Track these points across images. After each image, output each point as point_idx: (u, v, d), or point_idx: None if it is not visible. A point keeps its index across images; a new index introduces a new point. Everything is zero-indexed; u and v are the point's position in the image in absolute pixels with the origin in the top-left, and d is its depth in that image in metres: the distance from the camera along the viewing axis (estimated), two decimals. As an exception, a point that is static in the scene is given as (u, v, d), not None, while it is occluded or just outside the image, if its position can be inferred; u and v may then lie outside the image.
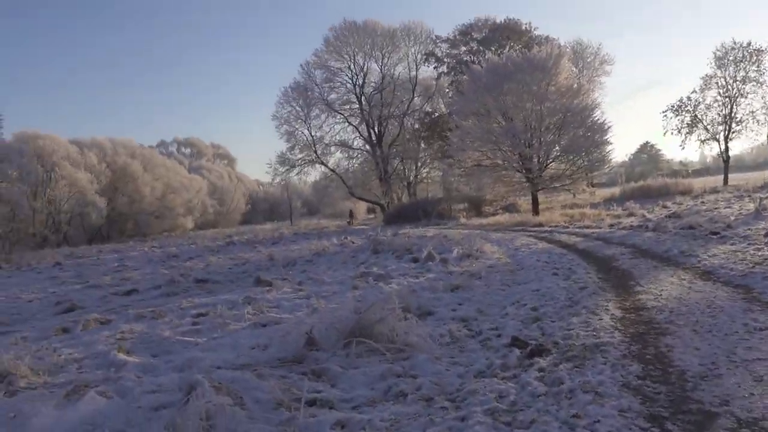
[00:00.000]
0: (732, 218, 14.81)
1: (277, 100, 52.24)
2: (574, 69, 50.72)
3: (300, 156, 52.30)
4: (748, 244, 10.17)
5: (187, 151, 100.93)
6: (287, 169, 52.43)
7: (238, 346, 6.25)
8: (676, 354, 4.64)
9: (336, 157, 55.57)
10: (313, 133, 51.91)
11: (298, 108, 51.11)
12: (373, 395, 4.35)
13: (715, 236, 11.81)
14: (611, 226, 18.04)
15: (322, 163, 53.33)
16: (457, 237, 18.39)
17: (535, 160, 30.82)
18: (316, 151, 52.07)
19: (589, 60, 55.59)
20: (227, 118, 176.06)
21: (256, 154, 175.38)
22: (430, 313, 7.15)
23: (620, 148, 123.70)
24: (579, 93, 31.73)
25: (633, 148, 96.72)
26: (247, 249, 24.98)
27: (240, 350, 6.01)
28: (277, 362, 5.37)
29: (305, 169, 53.59)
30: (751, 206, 17.32)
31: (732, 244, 10.38)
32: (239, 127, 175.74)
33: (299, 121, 51.36)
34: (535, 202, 32.54)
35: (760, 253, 8.95)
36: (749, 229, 12.08)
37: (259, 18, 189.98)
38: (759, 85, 43.21)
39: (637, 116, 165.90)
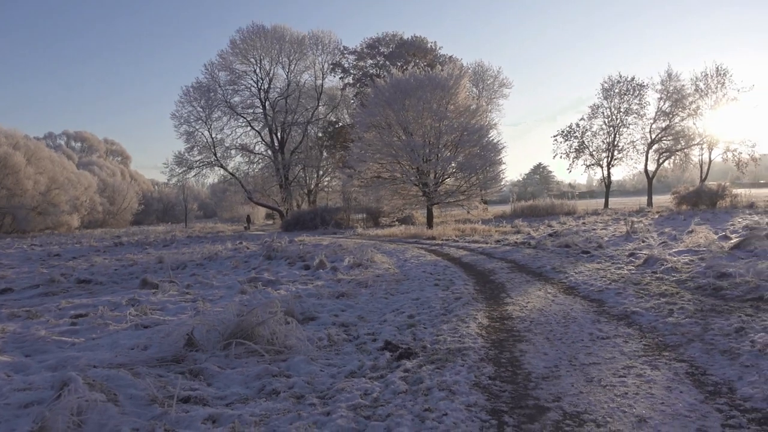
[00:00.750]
0: (605, 239, 16.14)
1: (178, 99, 50.95)
2: (475, 90, 53.05)
3: (199, 157, 51.16)
4: (612, 263, 11.23)
5: (78, 145, 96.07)
6: (184, 170, 51.14)
7: (118, 346, 6.22)
8: (527, 358, 5.18)
9: (236, 161, 54.92)
10: (213, 135, 51.02)
11: (199, 108, 50.03)
12: (248, 393, 4.55)
13: (585, 255, 12.87)
14: (498, 241, 19.05)
15: (222, 166, 52.41)
16: (351, 246, 18.79)
17: (432, 175, 31.82)
18: (215, 154, 51.10)
19: (489, 82, 58.25)
20: (125, 113, 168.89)
21: (154, 153, 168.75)
22: (313, 318, 7.40)
23: (517, 168, 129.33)
24: (477, 113, 33.11)
25: (528, 168, 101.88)
26: (136, 250, 24.21)
27: (119, 350, 5.99)
28: (155, 362, 5.43)
29: (203, 171, 52.59)
30: (624, 229, 18.95)
31: (598, 263, 11.40)
32: (137, 124, 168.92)
33: (200, 121, 50.28)
34: (429, 216, 33.55)
35: (619, 272, 9.93)
36: (617, 250, 13.28)
37: (166, 15, 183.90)
38: (640, 117, 47.29)
39: (540, 139, 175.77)
